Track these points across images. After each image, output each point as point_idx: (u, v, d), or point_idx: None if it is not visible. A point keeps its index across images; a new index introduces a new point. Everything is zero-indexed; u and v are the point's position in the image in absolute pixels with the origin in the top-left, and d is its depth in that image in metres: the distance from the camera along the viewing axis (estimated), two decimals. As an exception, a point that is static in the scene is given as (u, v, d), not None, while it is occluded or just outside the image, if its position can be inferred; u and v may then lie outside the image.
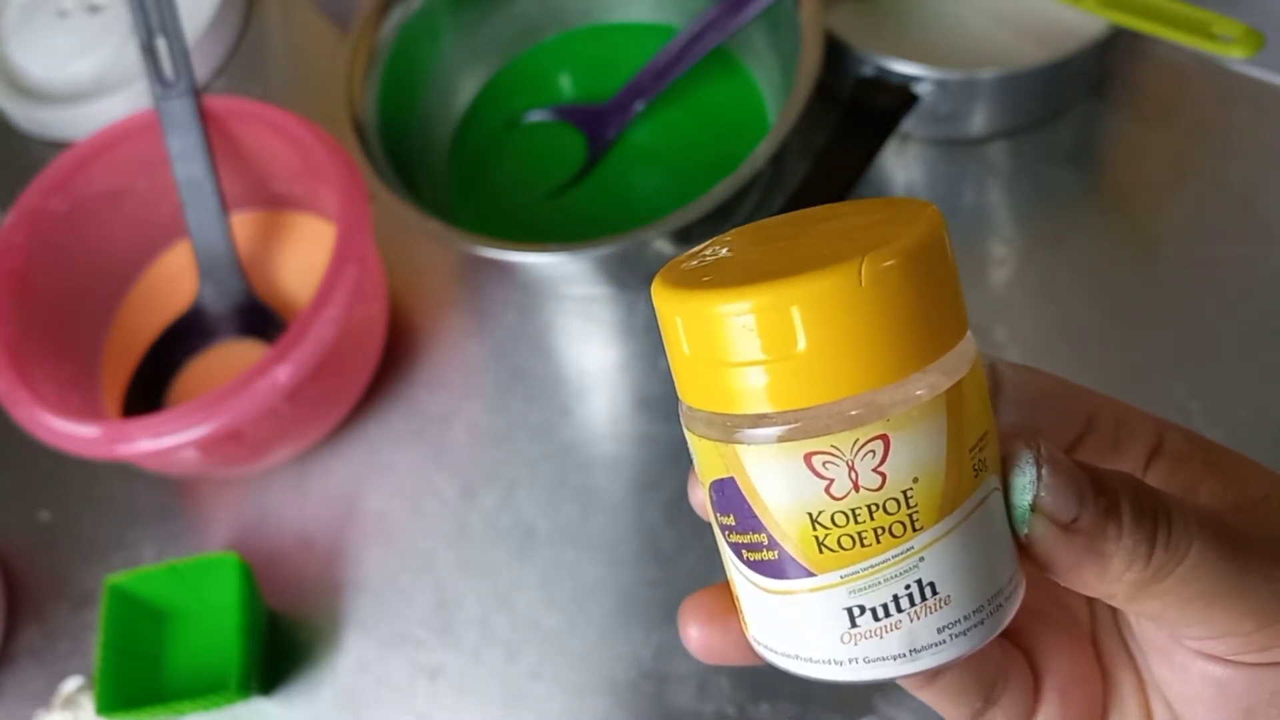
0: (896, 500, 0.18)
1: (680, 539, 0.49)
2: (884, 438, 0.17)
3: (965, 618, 0.19)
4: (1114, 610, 0.24)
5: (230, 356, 0.55)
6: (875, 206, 0.20)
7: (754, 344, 0.17)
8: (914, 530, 0.18)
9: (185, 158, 0.53)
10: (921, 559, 0.18)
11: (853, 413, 0.17)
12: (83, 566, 0.54)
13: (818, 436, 0.17)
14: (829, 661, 0.19)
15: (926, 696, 0.21)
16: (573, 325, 0.55)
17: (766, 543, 0.19)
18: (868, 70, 0.52)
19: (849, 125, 0.50)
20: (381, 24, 0.55)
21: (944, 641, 0.19)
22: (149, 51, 0.53)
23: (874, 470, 0.18)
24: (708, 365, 0.18)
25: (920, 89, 0.51)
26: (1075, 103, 0.55)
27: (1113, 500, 0.19)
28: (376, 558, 0.51)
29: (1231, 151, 0.54)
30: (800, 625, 0.19)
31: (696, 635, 0.22)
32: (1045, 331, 0.50)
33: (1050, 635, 0.23)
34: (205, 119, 0.53)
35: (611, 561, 0.49)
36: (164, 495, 0.55)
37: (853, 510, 0.18)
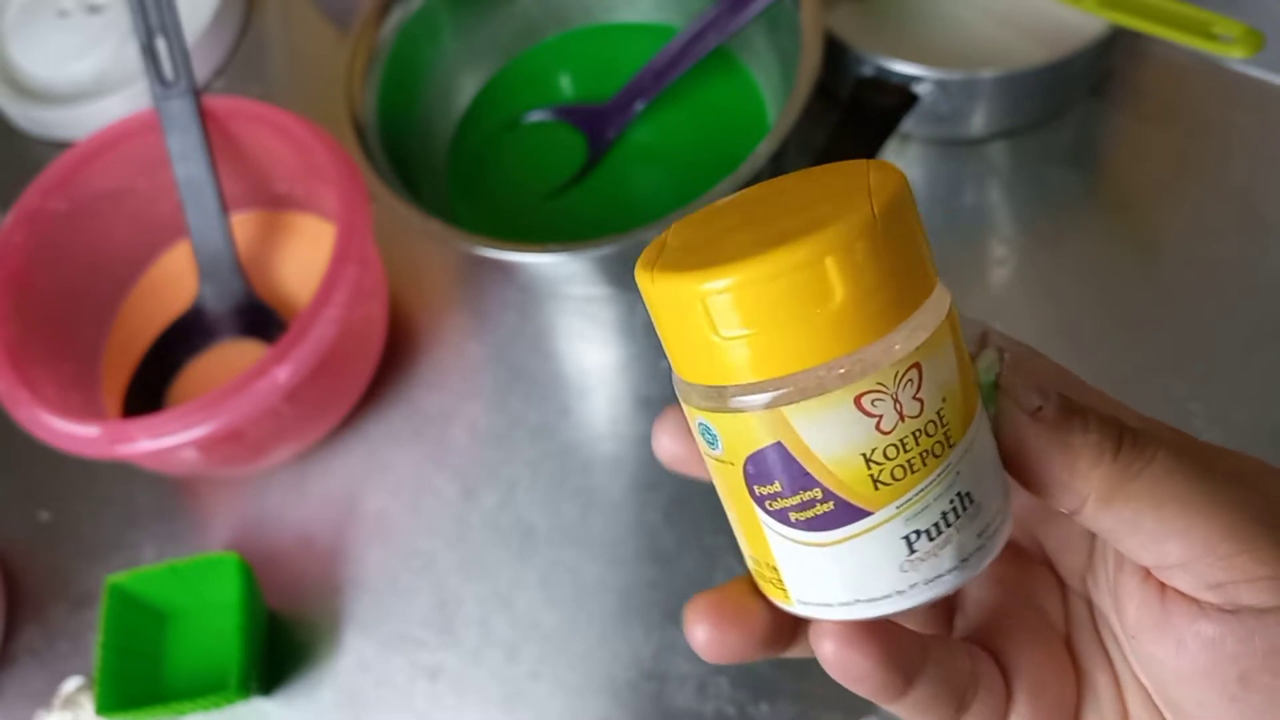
0: (934, 422, 0.19)
1: (680, 539, 0.49)
2: (917, 365, 0.19)
3: (992, 518, 0.21)
4: (1089, 608, 0.24)
5: (230, 356, 0.55)
6: (823, 173, 0.21)
7: (793, 302, 0.18)
8: (949, 447, 0.20)
9: (185, 158, 0.53)
10: (958, 472, 0.20)
11: (895, 347, 0.19)
12: (83, 566, 0.54)
13: (864, 378, 0.19)
14: (891, 594, 0.20)
15: (901, 710, 0.22)
16: (573, 325, 0.55)
17: (820, 497, 0.20)
18: (868, 70, 0.52)
19: (849, 125, 0.50)
20: (381, 24, 0.55)
21: (984, 545, 0.21)
22: (149, 51, 0.53)
23: (913, 398, 0.19)
24: (746, 337, 0.19)
25: (920, 89, 0.51)
26: (1075, 103, 0.55)
27: (1074, 402, 0.20)
28: (376, 558, 0.51)
29: (1231, 151, 0.54)
30: (859, 568, 0.20)
31: (704, 634, 0.22)
32: (1045, 331, 0.50)
33: (1019, 636, 0.23)
34: (205, 119, 0.53)
35: (611, 561, 0.49)
36: (164, 495, 0.55)
37: (901, 441, 0.19)
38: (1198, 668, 0.21)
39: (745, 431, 0.20)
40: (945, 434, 0.20)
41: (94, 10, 0.67)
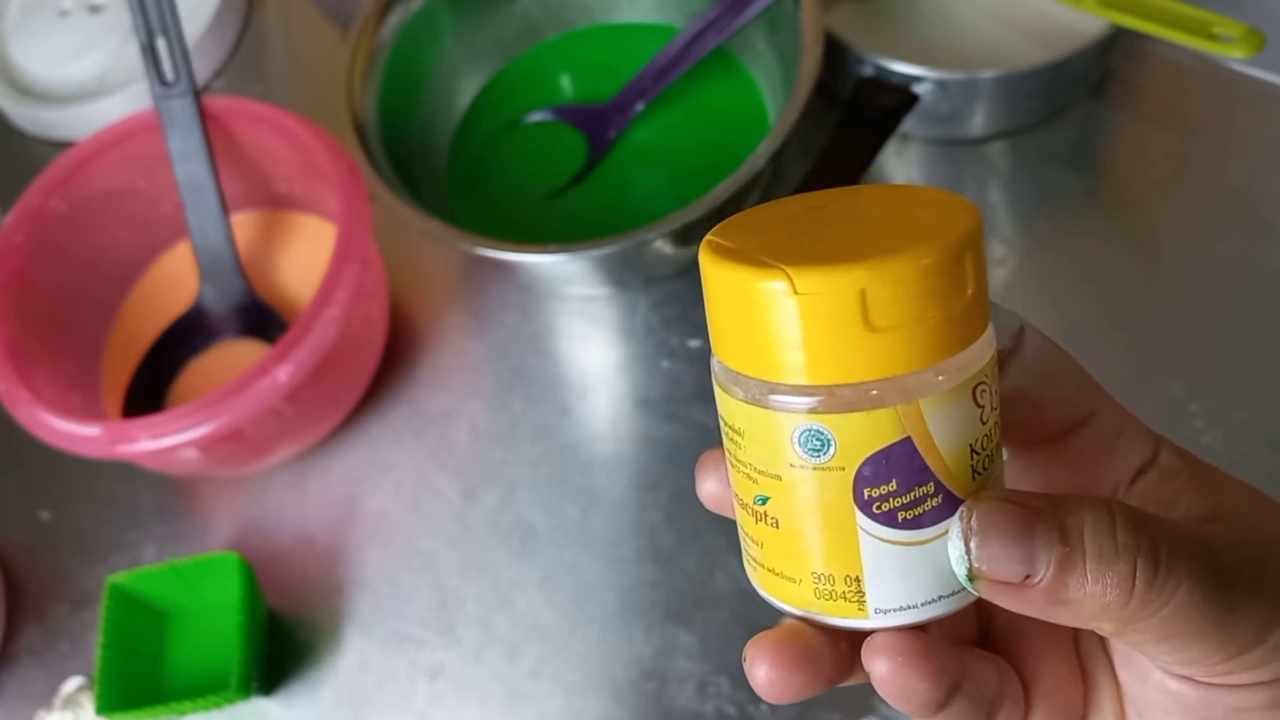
0: (998, 417, 0.21)
1: (680, 539, 0.49)
2: (995, 359, 0.20)
3: None
4: None
5: (231, 356, 0.55)
6: (906, 192, 0.22)
7: (942, 295, 0.19)
8: (1001, 433, 0.21)
9: (186, 158, 0.53)
10: (1005, 454, 0.22)
11: (990, 340, 0.20)
12: (83, 566, 0.54)
13: (977, 369, 0.20)
14: (966, 588, 0.20)
15: None
16: (573, 325, 0.56)
17: (932, 491, 0.20)
18: (868, 70, 0.52)
19: (849, 125, 0.50)
20: (382, 24, 0.55)
21: None
22: (149, 51, 0.53)
23: (995, 391, 0.20)
24: (899, 329, 0.19)
25: (920, 89, 0.51)
26: (1075, 103, 0.55)
27: (1075, 549, 0.19)
28: (377, 557, 0.51)
29: (1231, 151, 0.54)
30: (943, 562, 0.20)
31: (765, 673, 0.21)
32: (1045, 331, 0.50)
33: (1038, 641, 0.23)
34: (205, 119, 0.53)
35: (611, 561, 0.49)
36: (165, 495, 0.55)
37: (989, 431, 0.20)
38: (1160, 706, 0.21)
39: (874, 429, 0.19)
40: (1000, 433, 0.21)
41: (94, 10, 0.67)
